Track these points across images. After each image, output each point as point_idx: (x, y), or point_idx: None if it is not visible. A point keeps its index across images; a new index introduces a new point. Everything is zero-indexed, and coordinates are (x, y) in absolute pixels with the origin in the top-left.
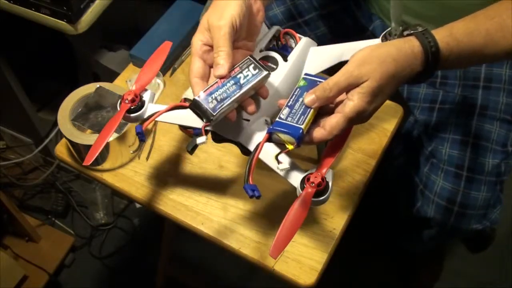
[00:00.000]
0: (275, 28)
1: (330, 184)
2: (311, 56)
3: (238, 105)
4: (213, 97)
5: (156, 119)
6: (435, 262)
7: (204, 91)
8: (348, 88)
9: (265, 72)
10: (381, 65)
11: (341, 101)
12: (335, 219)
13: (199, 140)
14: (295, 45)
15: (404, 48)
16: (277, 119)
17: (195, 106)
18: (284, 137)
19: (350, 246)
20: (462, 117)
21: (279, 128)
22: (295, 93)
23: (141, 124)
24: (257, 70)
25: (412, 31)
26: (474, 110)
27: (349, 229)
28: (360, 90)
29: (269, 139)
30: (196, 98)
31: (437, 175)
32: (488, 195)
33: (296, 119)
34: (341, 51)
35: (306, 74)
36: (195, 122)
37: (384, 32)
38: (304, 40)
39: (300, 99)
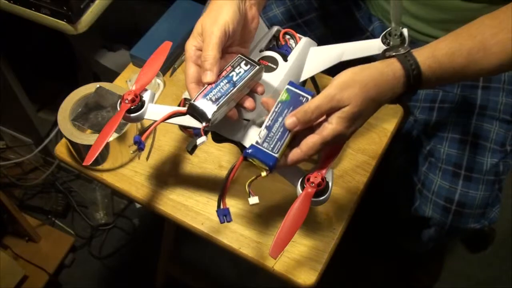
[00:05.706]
0: (275, 28)
1: (330, 184)
2: (311, 56)
3: (236, 104)
4: (208, 98)
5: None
6: (435, 262)
7: (199, 94)
8: (330, 111)
9: (257, 67)
10: (362, 90)
11: (321, 122)
12: (335, 219)
13: (199, 140)
14: (295, 45)
15: (386, 72)
16: (253, 143)
17: (192, 110)
18: (258, 163)
19: (350, 246)
20: (461, 116)
21: (254, 155)
22: (276, 110)
23: (140, 134)
24: (249, 66)
25: (394, 53)
26: (473, 110)
27: (349, 229)
28: (340, 114)
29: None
30: (192, 101)
31: (435, 174)
32: (486, 194)
33: (272, 145)
34: (341, 51)
35: (290, 83)
36: (195, 122)
37: (384, 33)
38: (304, 40)
39: (280, 119)
